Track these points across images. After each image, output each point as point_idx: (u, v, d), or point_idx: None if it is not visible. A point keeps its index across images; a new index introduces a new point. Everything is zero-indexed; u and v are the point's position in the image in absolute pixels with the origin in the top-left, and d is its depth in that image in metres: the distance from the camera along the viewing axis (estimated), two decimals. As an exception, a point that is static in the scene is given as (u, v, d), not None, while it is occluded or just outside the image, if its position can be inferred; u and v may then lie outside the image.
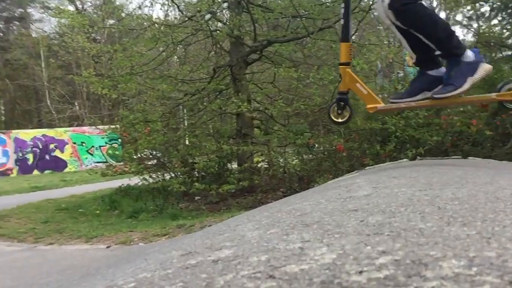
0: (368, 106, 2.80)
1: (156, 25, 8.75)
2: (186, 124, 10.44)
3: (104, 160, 23.66)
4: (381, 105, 2.80)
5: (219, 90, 9.20)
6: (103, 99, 30.74)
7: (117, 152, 23.13)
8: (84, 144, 24.68)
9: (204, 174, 8.32)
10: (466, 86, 2.58)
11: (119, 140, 21.92)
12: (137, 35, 9.31)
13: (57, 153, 24.03)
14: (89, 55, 25.99)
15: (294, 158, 8.43)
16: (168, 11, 10.55)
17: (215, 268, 0.91)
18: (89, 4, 31.33)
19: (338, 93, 2.89)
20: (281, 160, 8.38)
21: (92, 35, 21.15)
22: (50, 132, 24.51)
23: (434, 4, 8.99)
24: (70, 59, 31.47)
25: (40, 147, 23.62)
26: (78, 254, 4.78)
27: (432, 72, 2.75)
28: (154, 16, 9.93)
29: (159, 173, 8.80)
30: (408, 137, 6.56)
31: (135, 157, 9.28)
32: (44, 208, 9.11)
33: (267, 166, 8.44)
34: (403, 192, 1.54)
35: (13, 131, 24.46)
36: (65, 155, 24.20)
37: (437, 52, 2.69)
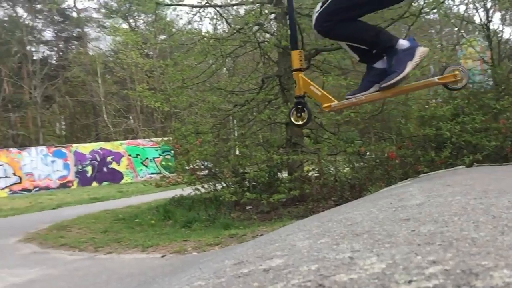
0: (324, 105, 2.96)
1: (205, 38, 8.94)
2: (236, 134, 10.57)
3: (158, 172, 24.32)
4: (335, 102, 2.95)
5: (268, 100, 9.27)
6: (156, 112, 31.68)
7: (170, 164, 23.73)
8: (139, 156, 25.50)
9: (254, 183, 8.37)
10: (407, 69, 2.72)
11: (172, 151, 22.49)
12: (188, 49, 9.54)
13: (114, 165, 24.96)
14: (142, 70, 26.84)
15: (345, 166, 8.33)
16: (217, 25, 10.73)
17: (266, 277, 0.93)
18: (142, 21, 32.46)
19: (295, 98, 3.05)
20: (331, 169, 8.30)
21: (145, 51, 21.89)
22: (107, 145, 25.53)
23: (489, 5, 8.64)
24: (124, 75, 32.72)
25: (98, 160, 24.62)
26: (135, 263, 4.94)
27: (377, 65, 2.86)
28: (203, 30, 10.14)
29: (210, 183, 8.93)
30: (464, 143, 6.33)
31: (187, 168, 9.47)
32: (103, 218, 9.47)
33: (318, 175, 8.38)
34: (457, 201, 1.51)
35: (73, 145, 25.67)
36: (121, 167, 25.09)
37: (373, 51, 2.84)
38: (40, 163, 23.44)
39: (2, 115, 33.39)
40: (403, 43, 2.78)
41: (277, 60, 9.18)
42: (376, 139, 8.95)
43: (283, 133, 9.29)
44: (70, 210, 12.42)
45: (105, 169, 24.75)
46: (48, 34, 39.60)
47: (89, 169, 24.55)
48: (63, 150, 24.46)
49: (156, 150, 24.77)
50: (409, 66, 2.74)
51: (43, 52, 39.42)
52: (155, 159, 25.93)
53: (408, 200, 1.78)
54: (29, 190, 22.67)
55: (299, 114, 3.03)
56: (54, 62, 38.73)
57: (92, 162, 24.62)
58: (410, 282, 0.71)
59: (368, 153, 8.02)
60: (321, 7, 2.81)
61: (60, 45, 40.28)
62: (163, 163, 25.63)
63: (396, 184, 4.42)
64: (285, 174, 8.65)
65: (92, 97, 34.88)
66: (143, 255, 5.49)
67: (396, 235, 1.10)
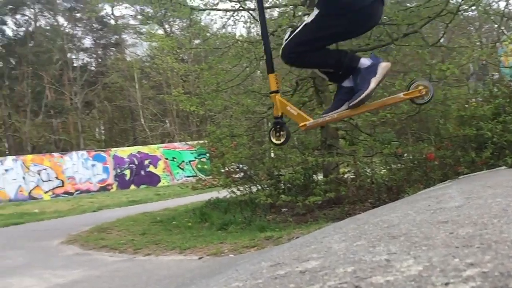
0: (300, 124, 3.11)
1: (239, 42, 9.01)
2: (271, 137, 10.57)
3: (194, 174, 24.62)
4: (310, 121, 3.08)
5: (303, 102, 9.24)
6: (191, 115, 32.15)
7: (205, 166, 23.97)
8: (175, 159, 25.89)
9: (290, 186, 8.35)
10: (372, 86, 2.85)
11: (207, 154, 22.74)
12: (222, 53, 9.64)
13: (151, 168, 25.43)
14: (178, 75, 27.34)
15: (382, 168, 8.20)
16: (250, 28, 10.82)
17: (303, 278, 0.94)
18: (177, 26, 32.99)
19: (274, 118, 3.20)
20: (368, 170, 8.19)
21: (180, 55, 22.27)
22: (144, 149, 26.06)
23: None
24: (160, 80, 33.40)
25: (136, 163, 25.15)
26: (173, 265, 5.02)
27: (345, 84, 3.00)
28: (237, 33, 10.23)
29: (246, 186, 8.98)
30: (506, 143, 6.13)
31: (222, 170, 9.55)
32: (141, 220, 9.66)
33: (354, 176, 8.28)
34: (498, 203, 1.48)
35: (112, 149, 26.32)
36: (158, 170, 25.53)
37: (340, 72, 3.00)
38: (81, 167, 24.15)
39: (45, 121, 34.63)
40: (365, 61, 2.91)
41: (311, 61, 9.14)
42: (413, 140, 8.77)
43: (318, 135, 9.23)
44: (110, 212, 12.74)
45: (142, 172, 25.25)
46: (88, 42, 40.84)
47: (127, 172, 25.11)
48: (103, 154, 25.12)
49: (192, 153, 25.09)
50: (373, 83, 2.87)
51: (83, 59, 40.70)
52: (191, 162, 26.27)
53: (447, 202, 1.76)
54: (71, 193, 23.40)
55: (278, 134, 3.19)
56: (93, 68, 39.90)
57: (130, 165, 25.16)
58: (447, 284, 0.71)
59: (405, 155, 7.87)
60: (289, 36, 2.98)
61: (99, 52, 41.45)
62: (199, 166, 25.93)
63: (435, 186, 4.33)
64: (320, 176, 8.60)
65: (130, 102, 35.72)
66: (181, 257, 5.57)
67: (433, 237, 1.09)
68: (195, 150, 22.30)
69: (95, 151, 25.87)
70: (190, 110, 10.52)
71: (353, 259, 1.01)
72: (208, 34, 10.07)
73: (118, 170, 24.87)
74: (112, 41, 41.04)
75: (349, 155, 8.36)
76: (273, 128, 3.21)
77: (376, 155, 8.12)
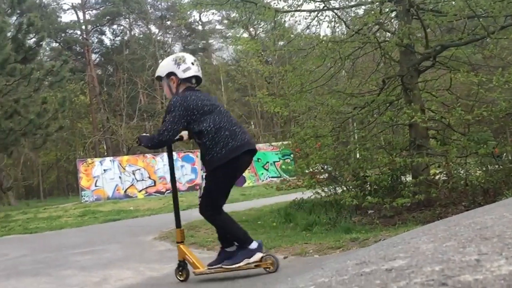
0: (193, 270, 4.02)
1: (324, 42, 8.94)
2: (356, 137, 10.40)
3: (278, 175, 24.84)
4: (199, 269, 3.96)
5: (390, 101, 8.97)
6: (275, 117, 32.46)
7: (290, 167, 24.08)
8: (260, 160, 26.27)
9: (376, 187, 8.15)
10: (241, 264, 3.83)
11: (291, 155, 22.83)
12: (306, 54, 9.63)
13: (237, 169, 26.04)
14: (262, 77, 27.74)
15: (477, 169, 7.72)
16: (335, 28, 10.73)
17: (389, 275, 0.95)
18: (261, 29, 33.55)
19: (178, 260, 4.14)
20: (461, 172, 7.76)
21: (264, 58, 22.59)
22: (230, 150, 26.75)
23: None
24: (245, 82, 34.10)
25: (222, 164, 25.88)
26: (259, 263, 5.11)
27: (228, 249, 4.00)
28: (322, 33, 10.18)
29: (330, 186, 8.89)
30: None
31: (307, 171, 9.53)
32: (228, 219, 9.93)
33: (446, 178, 7.88)
34: None
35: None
36: (244, 171, 26.08)
37: (228, 236, 4.04)
38: (172, 168, 25.33)
39: (139, 124, 36.84)
40: (254, 245, 3.85)
41: (399, 59, 8.85)
42: (512, 139, 8.17)
43: (406, 135, 8.92)
44: (198, 211, 13.22)
45: (229, 173, 25.92)
46: (177, 48, 42.87)
47: (214, 173, 25.91)
48: (191, 155, 26.18)
49: (276, 154, 25.33)
50: (244, 262, 3.81)
51: (173, 64, 42.81)
52: (275, 163, 26.52)
53: (548, 204, 1.64)
54: (162, 193, 24.67)
55: (180, 273, 4.12)
56: (182, 73, 41.77)
57: (217, 166, 25.94)
58: (541, 284, 0.69)
59: (504, 155, 7.37)
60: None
61: (188, 57, 43.27)
62: (283, 166, 26.11)
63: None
64: (409, 178, 8.29)
65: (216, 104, 36.91)
66: (266, 255, 5.65)
67: (530, 239, 1.03)
68: (280, 151, 22.51)
69: (184, 152, 27.02)
70: (274, 112, 10.65)
71: (441, 259, 0.99)
72: (292, 36, 10.11)
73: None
74: (200, 46, 42.74)
75: (441, 155, 7.97)
76: (177, 268, 4.14)
77: (471, 155, 7.67)
